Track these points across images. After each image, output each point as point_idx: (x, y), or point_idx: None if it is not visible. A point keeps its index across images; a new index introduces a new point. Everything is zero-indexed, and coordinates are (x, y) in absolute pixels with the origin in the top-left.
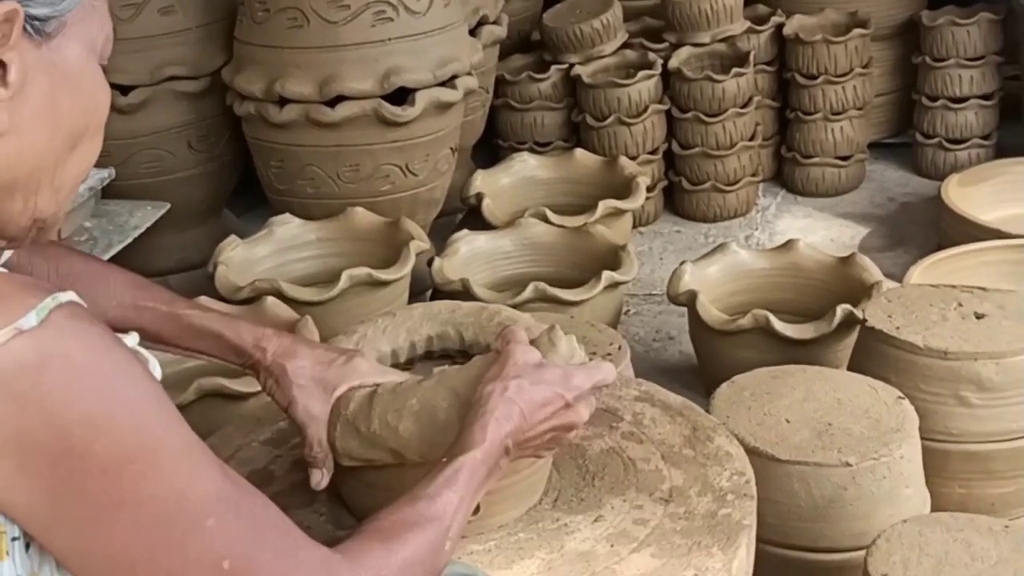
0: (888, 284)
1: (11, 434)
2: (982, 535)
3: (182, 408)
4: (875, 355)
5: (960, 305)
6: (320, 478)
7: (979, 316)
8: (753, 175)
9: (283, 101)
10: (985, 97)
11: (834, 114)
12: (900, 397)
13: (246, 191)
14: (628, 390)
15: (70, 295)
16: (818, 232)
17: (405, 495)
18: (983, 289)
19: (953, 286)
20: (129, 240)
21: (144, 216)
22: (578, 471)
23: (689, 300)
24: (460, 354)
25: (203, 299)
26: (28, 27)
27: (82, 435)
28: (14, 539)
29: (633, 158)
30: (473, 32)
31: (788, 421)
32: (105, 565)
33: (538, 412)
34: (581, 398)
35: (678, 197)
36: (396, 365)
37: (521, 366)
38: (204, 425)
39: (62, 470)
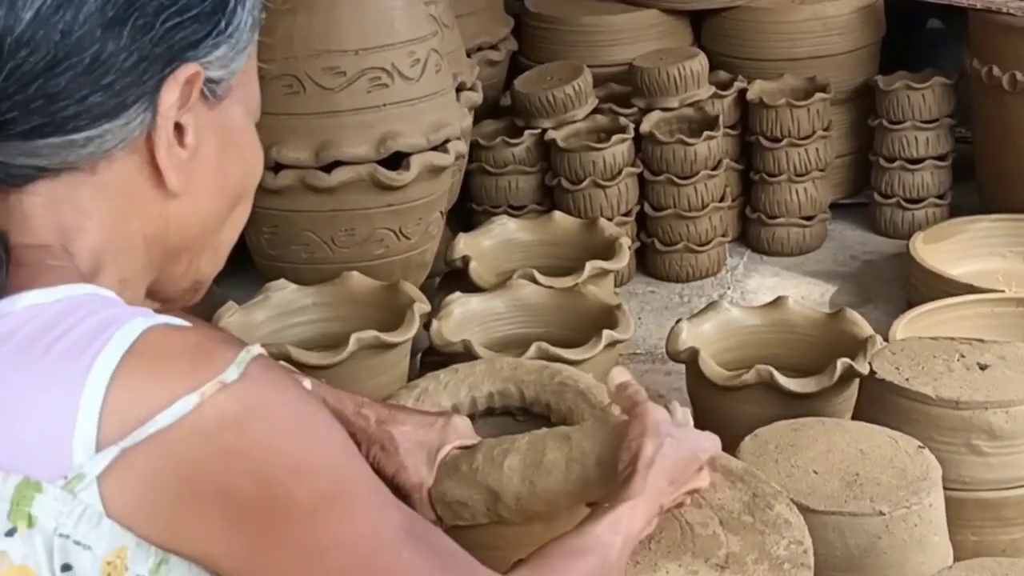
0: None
1: (217, 486)
2: None
3: None
4: (886, 406)
5: (963, 356)
6: None
7: (983, 367)
8: (723, 235)
9: (278, 167)
10: (940, 158)
11: (798, 175)
12: (920, 447)
13: None
14: None
15: (258, 348)
16: (788, 290)
17: (569, 531)
18: (981, 341)
19: (952, 338)
20: None
21: None
22: None
23: (690, 357)
24: (521, 411)
25: None
26: (204, 89)
27: (284, 483)
28: None
29: (608, 220)
30: None
31: (816, 472)
32: None
33: (684, 471)
34: (708, 463)
35: (651, 258)
36: None
37: (666, 424)
38: None
39: (266, 519)
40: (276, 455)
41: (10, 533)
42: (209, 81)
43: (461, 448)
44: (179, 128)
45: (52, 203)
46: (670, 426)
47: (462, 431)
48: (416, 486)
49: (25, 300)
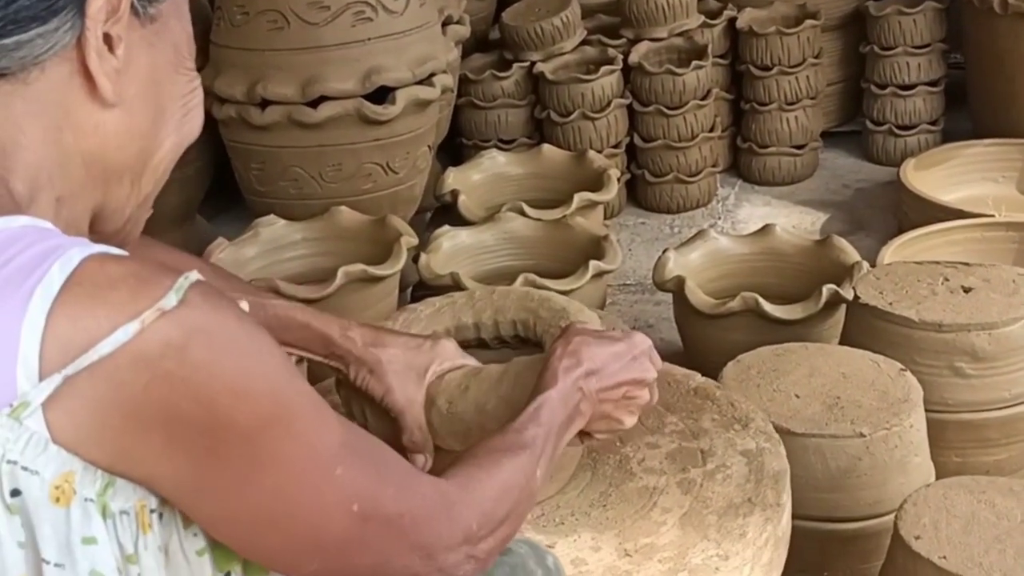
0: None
1: (160, 410)
2: (1004, 496)
3: None
4: (870, 331)
5: (947, 280)
6: (424, 463)
7: (967, 290)
8: (713, 166)
9: (265, 103)
10: (932, 84)
11: (788, 104)
12: (902, 369)
13: (216, 194)
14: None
15: (196, 274)
16: (779, 219)
17: (494, 431)
18: (966, 264)
19: (937, 262)
20: None
21: None
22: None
23: (677, 286)
24: (537, 346)
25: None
26: (135, 3)
27: (226, 405)
28: (151, 511)
29: (598, 152)
30: None
31: (798, 396)
32: (249, 527)
33: (611, 363)
34: (644, 354)
35: (641, 189)
36: (479, 340)
37: (581, 330)
38: None
39: (208, 441)
40: (217, 379)
41: None
42: None
43: (450, 372)
44: (109, 40)
45: None
46: (589, 331)
47: (450, 352)
48: (404, 408)
49: None
